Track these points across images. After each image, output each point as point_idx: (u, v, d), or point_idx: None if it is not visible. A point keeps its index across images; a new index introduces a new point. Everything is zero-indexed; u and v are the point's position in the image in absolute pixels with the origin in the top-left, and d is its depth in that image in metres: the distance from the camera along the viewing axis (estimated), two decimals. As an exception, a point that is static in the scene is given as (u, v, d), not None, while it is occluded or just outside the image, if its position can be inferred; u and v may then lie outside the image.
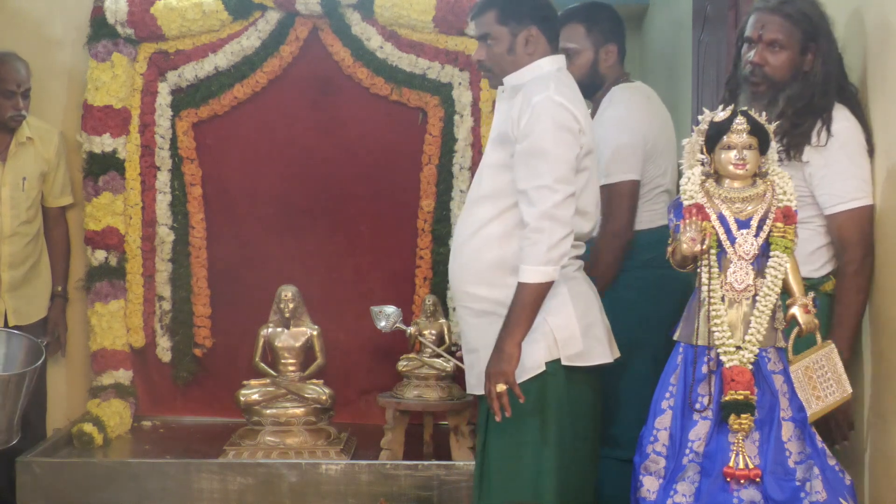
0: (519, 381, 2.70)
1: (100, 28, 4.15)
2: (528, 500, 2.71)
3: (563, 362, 2.73)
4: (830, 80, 2.82)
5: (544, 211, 2.62)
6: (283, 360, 3.89)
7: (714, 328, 2.58)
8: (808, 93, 2.81)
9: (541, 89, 2.69)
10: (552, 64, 2.81)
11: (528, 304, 2.65)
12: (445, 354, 3.82)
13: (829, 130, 2.77)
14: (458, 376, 3.77)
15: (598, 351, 2.79)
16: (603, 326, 2.84)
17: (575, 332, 2.74)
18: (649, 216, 3.33)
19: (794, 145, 2.78)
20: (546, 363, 2.72)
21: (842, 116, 2.80)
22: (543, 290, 2.65)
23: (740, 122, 2.61)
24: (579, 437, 2.79)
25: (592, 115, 3.36)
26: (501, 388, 2.64)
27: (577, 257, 2.84)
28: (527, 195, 2.66)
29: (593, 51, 3.34)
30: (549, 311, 2.72)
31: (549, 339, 2.72)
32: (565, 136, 2.66)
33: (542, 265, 2.62)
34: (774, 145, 2.67)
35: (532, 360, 2.71)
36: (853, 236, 2.77)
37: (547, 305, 2.70)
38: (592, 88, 3.35)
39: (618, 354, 2.89)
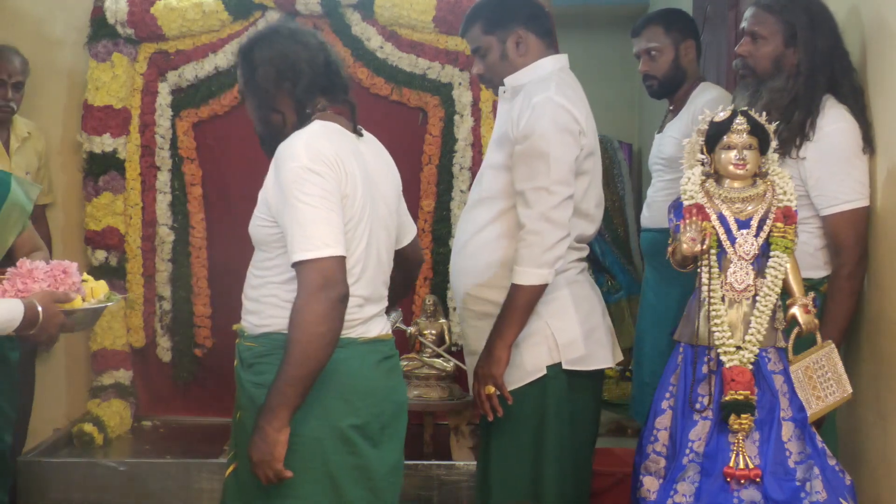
0: (520, 384, 2.69)
1: (100, 28, 4.15)
2: None
3: (565, 366, 2.71)
4: (816, 75, 2.79)
5: (541, 213, 2.60)
6: (283, 360, 3.88)
7: (714, 328, 2.58)
8: (792, 87, 2.79)
9: (541, 90, 2.67)
10: (554, 63, 2.78)
11: (521, 306, 2.61)
12: (445, 354, 3.82)
13: (814, 125, 2.75)
14: (458, 376, 3.77)
15: (600, 355, 2.78)
16: (605, 330, 2.82)
17: (577, 336, 2.72)
18: None
19: (785, 141, 2.76)
20: (547, 367, 2.70)
21: (836, 116, 2.77)
22: (537, 292, 2.62)
23: (740, 122, 2.60)
24: (580, 443, 2.78)
25: (677, 111, 3.62)
26: (490, 390, 2.62)
27: (580, 259, 2.82)
28: (524, 196, 2.64)
29: (674, 48, 3.62)
30: (551, 314, 2.70)
31: (551, 343, 2.70)
32: (565, 138, 2.63)
33: (536, 267, 2.60)
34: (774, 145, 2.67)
35: (533, 363, 2.69)
36: (848, 239, 2.76)
37: (549, 309, 2.69)
38: (676, 83, 3.65)
39: (620, 358, 2.88)
